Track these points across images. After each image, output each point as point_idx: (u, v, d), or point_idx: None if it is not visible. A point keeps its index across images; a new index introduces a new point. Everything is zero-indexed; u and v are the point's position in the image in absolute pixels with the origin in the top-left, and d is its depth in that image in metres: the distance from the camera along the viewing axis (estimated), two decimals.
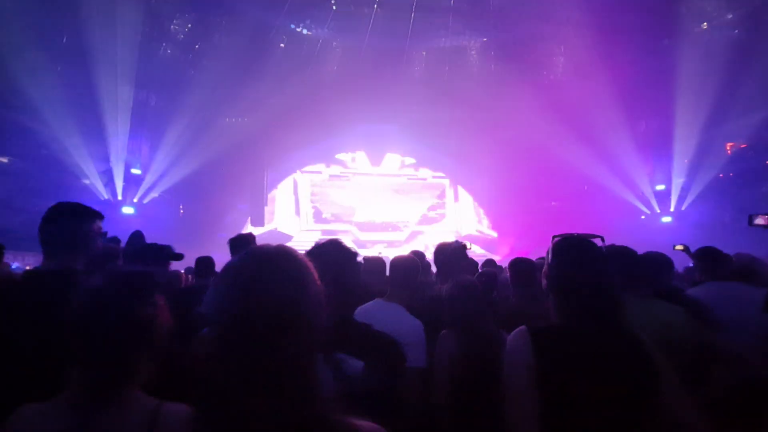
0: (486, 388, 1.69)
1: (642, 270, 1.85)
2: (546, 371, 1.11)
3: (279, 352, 0.63)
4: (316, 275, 0.72)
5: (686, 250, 4.10)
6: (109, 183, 13.52)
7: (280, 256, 0.70)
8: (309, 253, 1.37)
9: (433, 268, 4.27)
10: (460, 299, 2.00)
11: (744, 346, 1.91)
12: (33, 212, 12.82)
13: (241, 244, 2.73)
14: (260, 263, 0.69)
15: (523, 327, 1.21)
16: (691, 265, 4.33)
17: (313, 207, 16.57)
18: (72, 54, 11.29)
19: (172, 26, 13.32)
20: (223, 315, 0.66)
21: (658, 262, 2.23)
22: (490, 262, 4.43)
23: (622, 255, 1.82)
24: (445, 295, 2.07)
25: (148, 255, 2.57)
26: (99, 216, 1.63)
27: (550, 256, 1.32)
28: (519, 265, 2.60)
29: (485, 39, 14.15)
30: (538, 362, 1.12)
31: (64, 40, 11.14)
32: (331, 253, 1.34)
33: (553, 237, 1.34)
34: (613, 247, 1.82)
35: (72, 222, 1.56)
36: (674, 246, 3.95)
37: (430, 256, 3.33)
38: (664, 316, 1.59)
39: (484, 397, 1.68)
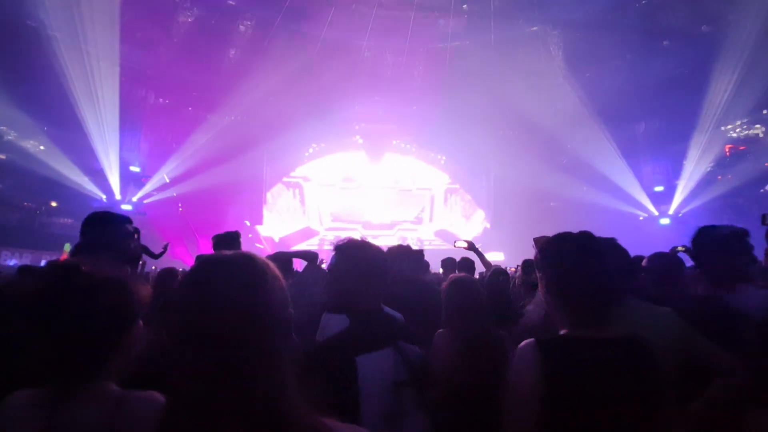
0: (483, 389, 1.66)
1: (634, 268, 1.75)
2: (555, 387, 1.04)
3: (236, 355, 0.63)
4: (277, 280, 0.72)
5: (688, 251, 4.07)
6: (108, 180, 13.49)
7: (234, 261, 0.70)
8: (336, 248, 1.41)
9: (441, 269, 4.25)
10: (457, 297, 1.93)
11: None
12: (30, 209, 12.84)
13: (226, 241, 2.69)
14: (213, 269, 0.69)
15: (532, 339, 1.12)
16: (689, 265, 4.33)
17: (324, 210, 17.08)
18: (68, 54, 11.23)
19: (171, 24, 13.29)
20: (178, 320, 0.67)
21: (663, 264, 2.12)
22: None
23: (617, 252, 1.71)
24: (442, 293, 2.00)
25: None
26: (129, 220, 1.85)
27: (548, 255, 1.21)
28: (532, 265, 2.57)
29: (484, 39, 14.15)
30: (547, 377, 1.05)
31: (58, 38, 11.06)
32: (358, 249, 1.38)
33: (540, 237, 1.28)
34: (604, 241, 1.67)
35: (109, 227, 1.76)
36: (676, 248, 3.93)
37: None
38: (648, 319, 1.47)
39: (481, 398, 1.65)
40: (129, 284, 0.94)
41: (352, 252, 1.37)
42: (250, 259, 0.71)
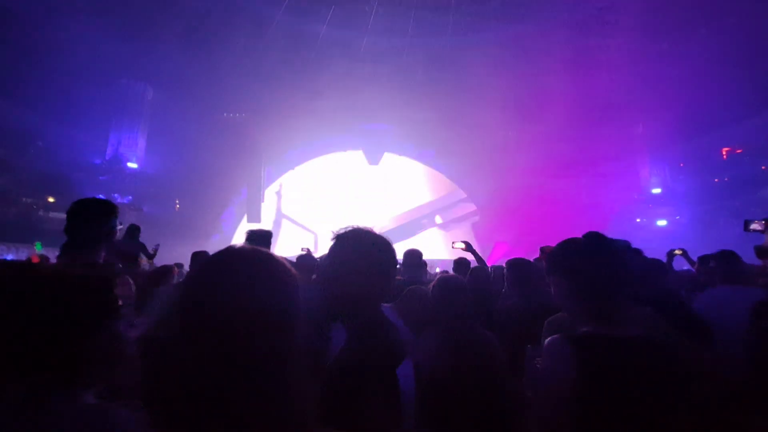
0: (473, 388, 1.66)
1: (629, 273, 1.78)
2: (590, 385, 1.01)
3: (247, 353, 0.60)
4: (295, 281, 0.69)
5: (685, 254, 4.09)
6: (105, 176, 13.44)
7: (256, 256, 0.68)
8: (336, 237, 1.19)
9: (438, 269, 4.27)
10: (443, 297, 1.92)
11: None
12: (27, 205, 12.77)
13: (260, 238, 2.73)
14: (234, 262, 0.66)
15: (561, 335, 1.11)
16: (685, 267, 4.35)
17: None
18: (65, 48, 11.15)
19: (171, 22, 13.23)
20: (187, 313, 0.63)
21: (648, 266, 2.18)
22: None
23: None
24: (431, 294, 1.99)
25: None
26: (117, 212, 1.73)
27: (562, 258, 1.22)
28: (517, 264, 2.60)
29: (483, 40, 14.15)
30: (582, 374, 1.02)
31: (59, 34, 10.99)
32: (361, 241, 1.18)
33: (546, 247, 1.28)
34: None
35: (99, 218, 1.63)
36: (673, 250, 3.95)
37: None
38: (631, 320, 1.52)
39: (468, 399, 1.65)
40: (101, 284, 0.85)
41: (353, 244, 1.16)
42: (271, 256, 0.69)
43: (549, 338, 1.13)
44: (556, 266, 1.23)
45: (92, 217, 1.63)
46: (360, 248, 1.14)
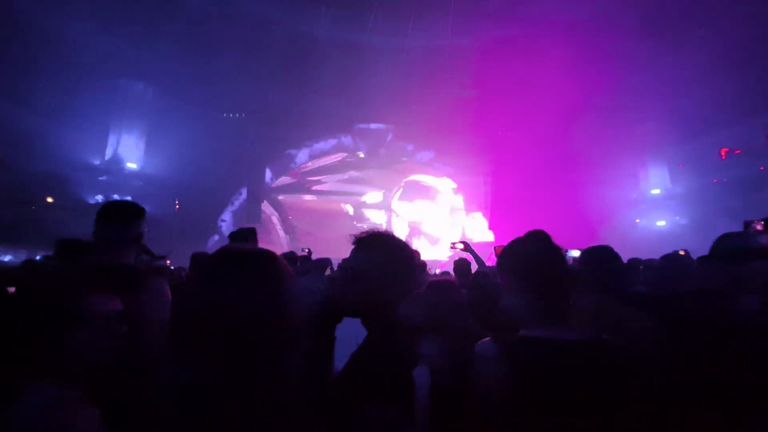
0: (466, 401, 1.65)
1: (617, 271, 1.82)
2: (519, 389, 0.99)
3: (246, 353, 0.61)
4: (290, 278, 0.69)
5: (687, 255, 4.09)
6: (104, 176, 13.43)
7: (256, 256, 0.68)
8: (356, 241, 1.22)
9: (437, 270, 4.27)
10: (438, 302, 1.88)
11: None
12: (25, 205, 12.75)
13: (243, 236, 2.71)
14: (236, 263, 0.66)
15: (490, 339, 1.10)
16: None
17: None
18: (64, 48, 11.16)
19: (171, 22, 13.23)
20: (190, 312, 0.64)
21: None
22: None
23: (600, 254, 1.82)
24: (423, 298, 1.93)
25: None
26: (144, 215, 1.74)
27: (506, 257, 1.21)
28: None
29: (482, 41, 14.17)
30: (509, 379, 0.99)
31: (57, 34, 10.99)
32: (382, 243, 1.21)
33: (499, 246, 1.27)
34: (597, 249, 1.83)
35: (127, 221, 1.66)
36: (677, 252, 3.95)
37: None
38: (615, 319, 1.50)
39: (464, 411, 1.64)
40: (60, 290, 0.86)
41: (374, 246, 1.19)
42: (272, 256, 0.69)
43: (480, 341, 1.11)
44: (506, 265, 1.21)
45: (120, 220, 1.64)
46: (380, 250, 1.18)
